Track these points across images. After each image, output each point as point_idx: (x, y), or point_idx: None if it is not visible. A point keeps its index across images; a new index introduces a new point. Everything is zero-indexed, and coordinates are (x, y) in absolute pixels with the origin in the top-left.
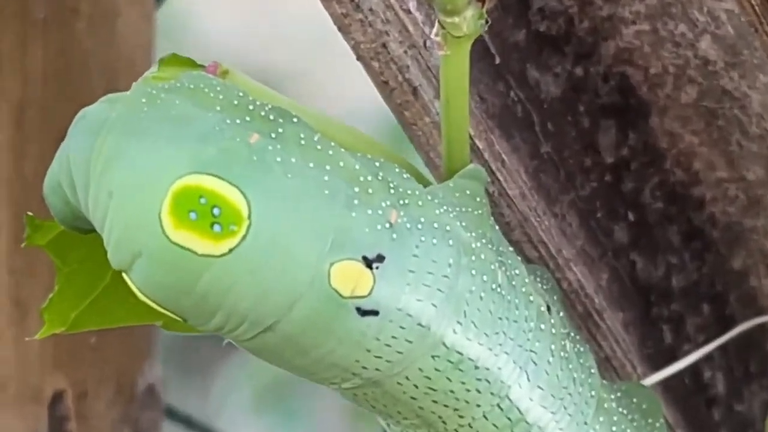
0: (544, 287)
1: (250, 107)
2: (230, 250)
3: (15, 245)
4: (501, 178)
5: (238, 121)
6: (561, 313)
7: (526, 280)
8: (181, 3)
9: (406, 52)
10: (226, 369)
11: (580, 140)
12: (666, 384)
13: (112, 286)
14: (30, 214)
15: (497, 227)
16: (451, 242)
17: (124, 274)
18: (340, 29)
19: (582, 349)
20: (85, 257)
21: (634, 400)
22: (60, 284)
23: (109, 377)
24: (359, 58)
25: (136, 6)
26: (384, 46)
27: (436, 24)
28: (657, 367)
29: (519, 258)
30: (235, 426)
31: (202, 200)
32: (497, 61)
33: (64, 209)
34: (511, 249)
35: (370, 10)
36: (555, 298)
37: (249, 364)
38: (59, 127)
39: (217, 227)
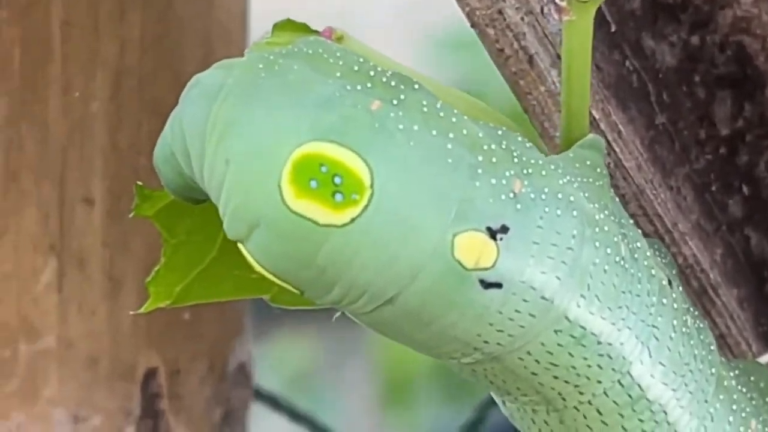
0: (663, 261)
1: (371, 73)
2: (352, 220)
3: (109, 218)
4: (617, 149)
5: (358, 87)
6: (680, 288)
7: (648, 254)
8: None
9: (522, 18)
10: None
11: (695, 111)
12: None
13: (219, 258)
14: (140, 183)
15: (616, 198)
16: (575, 213)
17: (240, 245)
18: None
19: (702, 325)
20: (192, 229)
21: (752, 378)
22: (166, 256)
23: (201, 355)
24: (473, 25)
25: None
26: (500, 12)
27: None
28: None
29: (639, 231)
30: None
31: (323, 168)
32: (613, 29)
33: (176, 179)
34: (631, 221)
35: None
36: (673, 272)
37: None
38: (155, 97)
39: (338, 196)
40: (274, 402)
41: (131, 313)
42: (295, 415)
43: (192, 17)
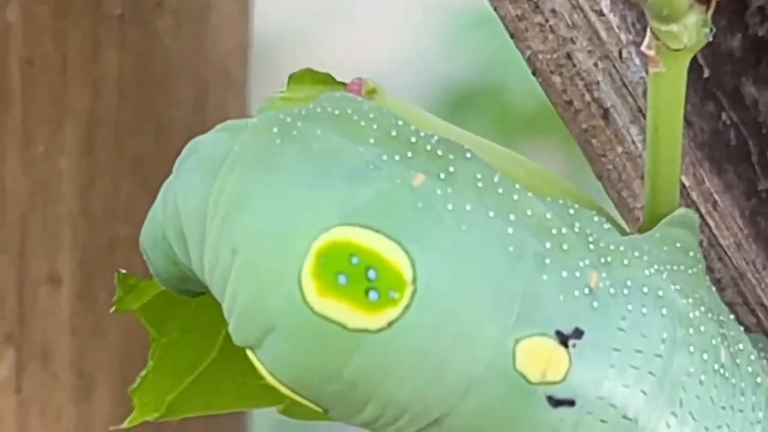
0: None
1: (413, 139)
2: (390, 324)
3: (79, 301)
4: (712, 224)
5: (397, 157)
6: None
7: (752, 357)
8: None
9: (596, 64)
10: None
11: None
12: None
13: (219, 361)
14: (123, 271)
15: (713, 288)
16: (664, 311)
17: (249, 352)
18: (512, 35)
19: None
20: (187, 326)
21: None
22: (155, 359)
23: None
24: (536, 71)
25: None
26: (569, 56)
27: (648, 34)
28: None
29: (741, 328)
30: None
31: (354, 260)
32: (706, 74)
33: (168, 267)
34: (731, 316)
35: (552, 11)
36: None
37: None
38: (137, 152)
39: (373, 294)
40: None
41: (111, 429)
42: None
43: (180, 54)
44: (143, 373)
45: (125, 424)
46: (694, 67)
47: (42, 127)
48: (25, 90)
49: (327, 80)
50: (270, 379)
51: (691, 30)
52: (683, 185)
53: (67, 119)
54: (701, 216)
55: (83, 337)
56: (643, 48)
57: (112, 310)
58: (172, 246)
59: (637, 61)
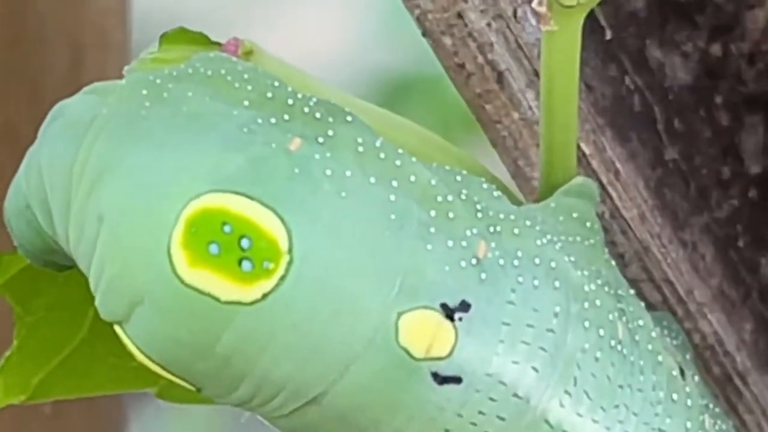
0: (674, 342)
1: (289, 101)
2: (264, 296)
3: None
4: (614, 195)
5: (273, 120)
6: (696, 378)
7: (653, 334)
8: None
9: (489, 24)
10: None
11: (716, 143)
12: None
13: (89, 340)
14: None
15: (611, 260)
16: (557, 284)
17: (117, 328)
18: None
19: (725, 426)
20: (54, 303)
21: None
22: (20, 338)
23: None
24: (425, 33)
25: None
26: (460, 16)
27: None
28: None
29: (642, 304)
30: None
31: (227, 228)
32: (609, 36)
33: (33, 238)
34: (631, 291)
35: None
36: (687, 356)
37: None
38: (7, 120)
39: (246, 264)
40: None
41: None
42: None
43: (56, 14)
44: (7, 353)
45: None
46: (596, 28)
47: None
48: None
49: (201, 40)
50: (139, 356)
51: None
52: (583, 153)
53: None
54: (602, 186)
55: None
56: (533, 5)
57: None
58: (37, 216)
59: (534, 21)
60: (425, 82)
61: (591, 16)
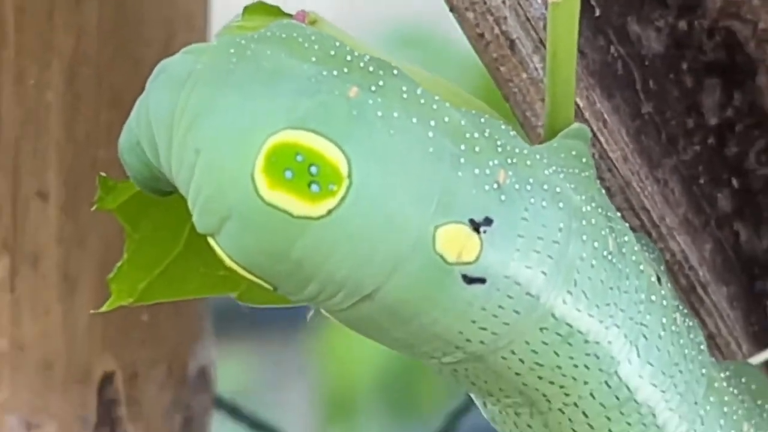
0: (651, 257)
1: (348, 58)
2: (329, 212)
3: (64, 214)
4: (602, 140)
5: (335, 72)
6: (669, 284)
7: (636, 248)
8: None
9: (504, 2)
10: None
11: (683, 100)
12: None
13: (185, 253)
14: (103, 174)
15: (602, 189)
16: (561, 205)
17: (210, 239)
18: None
19: (691, 323)
20: (157, 223)
21: (743, 380)
22: (129, 252)
23: (160, 358)
24: (452, 8)
25: None
26: None
27: None
28: (763, 345)
29: (626, 224)
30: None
31: (299, 158)
32: (597, 13)
33: (142, 169)
34: (618, 214)
35: None
36: (662, 268)
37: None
38: (114, 86)
39: (315, 187)
40: (234, 410)
41: (92, 312)
42: (256, 424)
43: (151, 2)
44: (119, 264)
45: (104, 308)
46: (587, 7)
47: (32, 65)
48: (17, 34)
49: (276, 12)
50: (228, 262)
51: None
52: (578, 106)
53: (54, 58)
54: (593, 133)
55: (68, 245)
56: None
57: (93, 208)
58: (145, 151)
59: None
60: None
61: None
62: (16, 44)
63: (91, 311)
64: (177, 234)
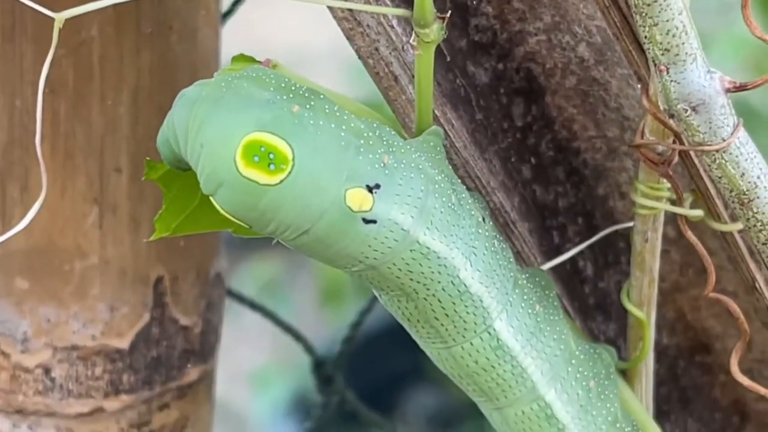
0: (480, 206)
1: (292, 88)
2: (281, 181)
3: (132, 182)
4: (451, 135)
5: (284, 97)
6: (491, 223)
7: (470, 201)
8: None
9: (390, 53)
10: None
11: (500, 111)
12: (555, 269)
13: (200, 206)
14: (148, 158)
15: (450, 166)
16: (422, 176)
17: (211, 198)
18: (347, 38)
19: (504, 246)
20: (182, 187)
21: (536, 278)
22: (166, 205)
23: (192, 267)
24: (360, 57)
25: (209, 23)
26: (377, 49)
27: (413, 34)
28: (549, 258)
29: (464, 187)
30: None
31: (262, 149)
32: (448, 59)
33: (170, 155)
34: (459, 181)
35: (368, 25)
36: (487, 213)
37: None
38: (161, 105)
39: (272, 166)
40: (240, 298)
41: (145, 240)
42: (255, 306)
43: (183, 53)
44: (160, 212)
45: (152, 238)
46: (442, 55)
47: (110, 91)
48: (101, 71)
49: (252, 60)
50: (221, 211)
51: (435, 31)
52: (436, 115)
53: (124, 87)
54: (445, 132)
55: (134, 201)
56: (411, 41)
57: (143, 178)
58: (172, 144)
59: (412, 51)
60: None
61: (439, 49)
62: (101, 77)
63: (144, 240)
64: (194, 194)
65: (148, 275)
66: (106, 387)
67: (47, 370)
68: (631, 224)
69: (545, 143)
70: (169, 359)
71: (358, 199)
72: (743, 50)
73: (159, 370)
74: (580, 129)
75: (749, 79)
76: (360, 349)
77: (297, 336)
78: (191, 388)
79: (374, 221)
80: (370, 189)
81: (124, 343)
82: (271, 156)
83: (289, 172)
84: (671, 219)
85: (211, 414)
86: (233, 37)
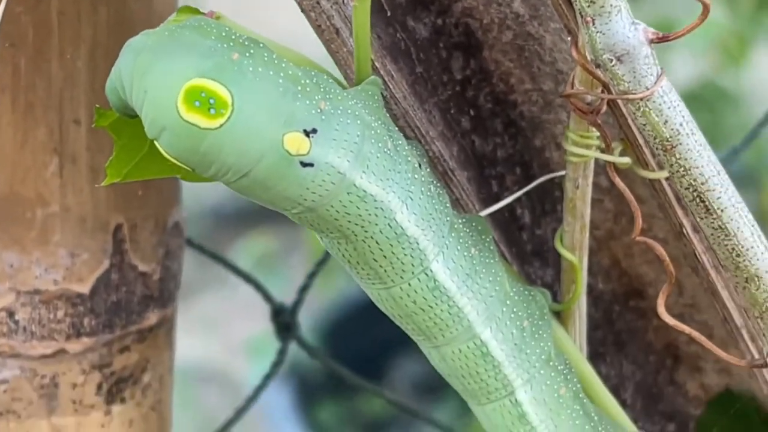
0: (417, 152)
1: (233, 37)
2: (221, 126)
3: (89, 133)
4: (391, 86)
5: (225, 45)
6: (428, 169)
7: (407, 148)
8: None
9: (332, 6)
10: None
11: (440, 65)
12: (493, 216)
13: (149, 152)
14: (98, 106)
15: (388, 115)
16: (359, 122)
17: (155, 142)
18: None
19: (441, 191)
20: (132, 134)
21: (473, 224)
22: (116, 151)
23: (150, 216)
24: (303, 10)
25: None
26: (318, 3)
27: None
28: (487, 205)
29: (402, 134)
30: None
31: (203, 94)
32: (389, 13)
33: (118, 103)
34: (396, 129)
35: None
36: (424, 160)
37: None
38: (116, 57)
39: (212, 111)
40: (200, 248)
41: (97, 185)
42: (209, 253)
43: (139, 9)
44: (110, 158)
45: (103, 184)
46: (382, 10)
47: (68, 46)
48: (59, 27)
49: (196, 11)
50: (165, 155)
51: None
52: (376, 67)
53: (81, 42)
54: (385, 83)
55: (93, 151)
56: None
57: (93, 125)
58: (119, 91)
59: (350, 4)
60: None
61: (379, 3)
62: (59, 34)
63: (96, 185)
64: (144, 141)
65: (108, 223)
66: (68, 330)
67: (11, 313)
68: (564, 173)
69: (483, 96)
70: (129, 304)
71: (295, 143)
72: (711, 33)
73: (119, 314)
74: (516, 82)
75: (718, 61)
76: (347, 319)
77: (257, 285)
78: (151, 332)
79: (311, 164)
80: (307, 133)
81: (85, 288)
82: (212, 101)
83: (229, 117)
84: (604, 168)
85: (172, 359)
86: None
